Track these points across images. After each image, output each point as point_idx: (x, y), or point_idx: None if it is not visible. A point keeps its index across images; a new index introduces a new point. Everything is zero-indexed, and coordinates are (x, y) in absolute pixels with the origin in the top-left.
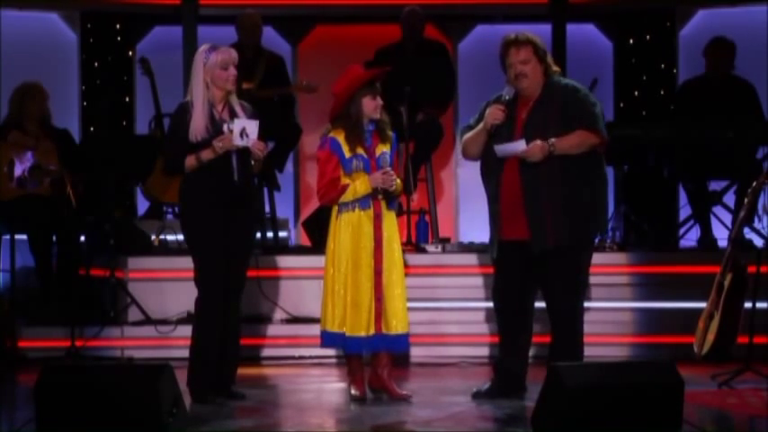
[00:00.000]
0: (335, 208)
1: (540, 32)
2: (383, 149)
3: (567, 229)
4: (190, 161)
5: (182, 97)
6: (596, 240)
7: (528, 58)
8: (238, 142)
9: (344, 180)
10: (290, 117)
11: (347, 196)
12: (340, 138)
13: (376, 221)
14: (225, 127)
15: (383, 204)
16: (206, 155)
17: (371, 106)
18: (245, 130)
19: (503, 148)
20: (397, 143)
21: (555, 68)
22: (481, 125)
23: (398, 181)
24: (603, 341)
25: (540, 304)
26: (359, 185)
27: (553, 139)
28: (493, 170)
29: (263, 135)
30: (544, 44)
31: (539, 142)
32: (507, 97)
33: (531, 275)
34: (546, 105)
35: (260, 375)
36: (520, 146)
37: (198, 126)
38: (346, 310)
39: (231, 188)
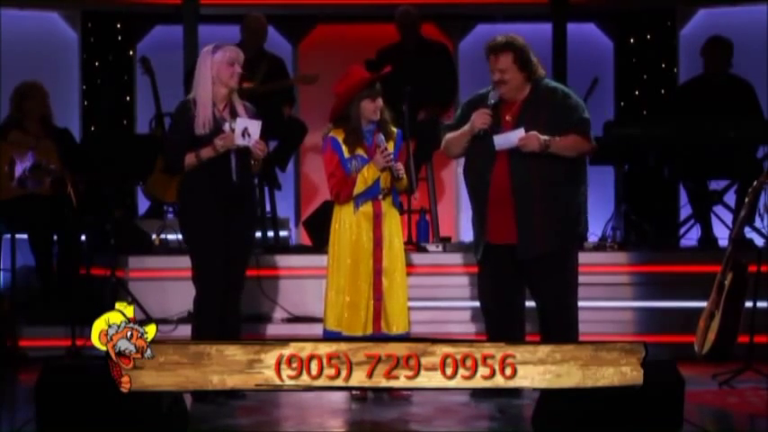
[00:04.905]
0: (336, 208)
1: (540, 32)
2: None
3: (556, 233)
4: (189, 159)
5: (182, 96)
6: (580, 242)
7: (506, 66)
8: (240, 141)
9: None
10: (292, 115)
11: (359, 187)
12: (340, 138)
13: (376, 221)
14: (227, 126)
15: (383, 204)
16: (206, 153)
17: (371, 109)
18: (247, 130)
19: (500, 139)
20: (402, 140)
21: (541, 72)
22: (466, 127)
23: (400, 165)
24: (604, 341)
25: (531, 304)
26: (366, 172)
27: (548, 137)
28: (480, 171)
29: (265, 135)
30: (527, 47)
31: (535, 133)
32: (492, 101)
33: (519, 277)
34: (533, 109)
35: None
36: (518, 133)
37: (203, 118)
38: (344, 310)
39: (229, 187)
